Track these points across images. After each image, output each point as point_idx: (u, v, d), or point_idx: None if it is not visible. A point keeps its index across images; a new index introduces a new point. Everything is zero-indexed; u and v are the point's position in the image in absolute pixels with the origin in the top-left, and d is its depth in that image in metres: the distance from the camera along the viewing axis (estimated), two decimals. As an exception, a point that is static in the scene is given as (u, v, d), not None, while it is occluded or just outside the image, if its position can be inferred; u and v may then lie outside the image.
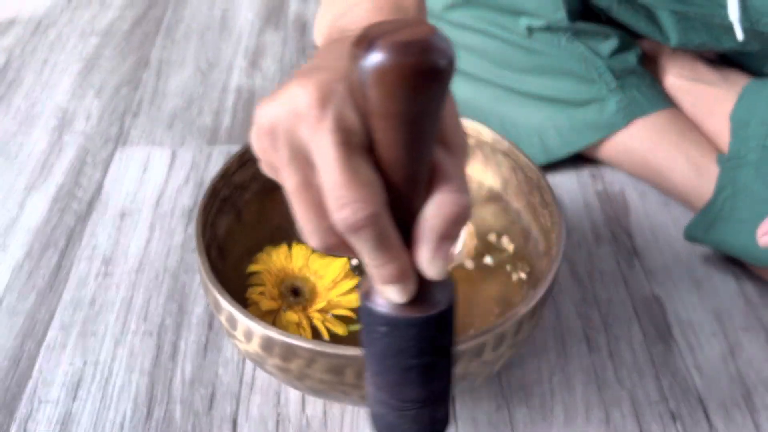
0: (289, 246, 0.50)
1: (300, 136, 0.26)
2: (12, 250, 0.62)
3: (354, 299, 0.47)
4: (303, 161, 0.27)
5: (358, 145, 0.26)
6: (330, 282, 0.47)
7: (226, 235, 0.50)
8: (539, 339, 0.55)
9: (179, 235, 0.63)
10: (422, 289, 0.28)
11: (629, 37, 0.69)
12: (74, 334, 0.55)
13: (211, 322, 0.56)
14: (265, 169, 0.29)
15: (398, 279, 0.27)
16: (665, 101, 0.67)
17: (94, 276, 0.60)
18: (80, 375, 0.53)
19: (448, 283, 0.29)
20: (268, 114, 0.27)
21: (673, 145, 0.64)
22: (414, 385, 0.30)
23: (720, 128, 0.64)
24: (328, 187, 0.26)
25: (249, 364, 0.53)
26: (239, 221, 0.51)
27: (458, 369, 0.40)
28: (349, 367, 0.38)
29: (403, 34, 0.23)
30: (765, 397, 0.52)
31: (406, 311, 0.28)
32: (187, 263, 0.61)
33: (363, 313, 0.30)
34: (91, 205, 0.66)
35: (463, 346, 0.38)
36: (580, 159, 0.71)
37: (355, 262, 0.50)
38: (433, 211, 0.26)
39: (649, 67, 0.71)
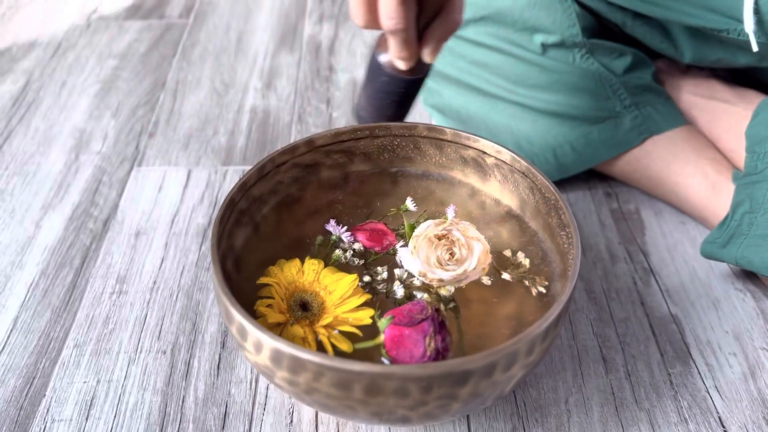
0: (302, 261, 0.50)
1: None
2: (28, 269, 0.62)
3: (362, 317, 0.47)
4: None
5: None
6: (338, 298, 0.47)
7: (242, 246, 0.50)
8: (556, 359, 0.55)
9: (194, 253, 0.64)
10: (415, 65, 0.48)
11: (644, 54, 0.69)
12: (88, 353, 0.55)
13: (224, 341, 0.56)
14: None
15: (407, 58, 0.47)
16: (681, 118, 0.67)
17: (108, 294, 0.60)
18: (93, 393, 0.53)
19: (428, 67, 0.50)
20: None
21: (689, 163, 0.64)
22: (390, 110, 0.53)
23: (736, 145, 0.63)
24: (383, 3, 0.43)
25: (262, 383, 0.53)
26: (256, 233, 0.51)
27: (467, 388, 0.39)
28: (357, 382, 0.37)
29: None
30: (788, 419, 0.50)
31: (402, 73, 0.49)
32: (201, 282, 0.61)
33: (373, 63, 0.50)
34: (106, 225, 0.67)
35: (472, 365, 0.38)
36: (595, 176, 0.71)
37: (366, 278, 0.50)
38: (439, 24, 0.46)
39: (665, 85, 0.71)
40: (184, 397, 0.52)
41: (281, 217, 0.53)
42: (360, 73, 0.88)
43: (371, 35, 0.96)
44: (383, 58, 0.49)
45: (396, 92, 0.51)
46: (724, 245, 0.58)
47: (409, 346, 0.43)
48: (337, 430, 0.50)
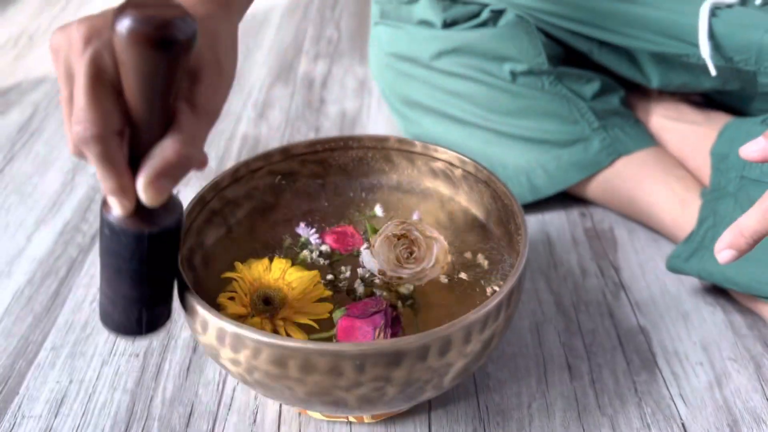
0: (270, 260, 0.51)
1: (70, 60, 0.34)
2: (15, 277, 0.65)
3: (320, 310, 0.48)
4: (71, 80, 0.34)
5: (107, 82, 0.33)
6: (300, 293, 0.48)
7: (213, 245, 0.52)
8: (521, 365, 0.55)
9: (174, 265, 0.66)
10: (147, 211, 0.36)
11: (612, 80, 0.71)
12: (64, 355, 0.57)
13: (195, 346, 0.57)
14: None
15: (116, 193, 0.35)
16: (649, 140, 0.69)
17: (89, 302, 0.62)
18: (65, 392, 0.54)
19: (175, 213, 0.37)
20: (55, 38, 0.35)
21: (657, 181, 0.65)
22: (124, 284, 0.38)
23: (703, 164, 0.65)
24: (75, 107, 0.33)
25: (229, 385, 0.54)
26: (229, 235, 0.53)
27: (401, 370, 0.40)
28: (292, 358, 0.38)
29: (155, 10, 0.31)
30: (753, 427, 0.50)
31: (125, 223, 0.36)
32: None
33: (100, 216, 0.37)
34: (94, 239, 0.69)
35: (405, 346, 0.39)
36: (570, 199, 0.72)
37: (329, 276, 0.51)
38: (157, 151, 0.34)
39: (635, 109, 0.73)
40: (152, 396, 0.53)
41: (255, 222, 0.55)
42: (351, 105, 0.92)
43: (365, 72, 1.00)
44: (107, 209, 0.36)
45: (122, 255, 0.37)
46: (687, 259, 0.59)
47: (358, 336, 0.44)
48: (299, 429, 0.51)
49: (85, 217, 0.72)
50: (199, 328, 0.42)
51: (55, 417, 0.52)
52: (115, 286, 0.38)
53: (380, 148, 0.57)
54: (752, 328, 0.58)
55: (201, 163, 0.37)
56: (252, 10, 1.18)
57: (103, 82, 0.33)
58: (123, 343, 0.58)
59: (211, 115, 0.36)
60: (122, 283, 0.38)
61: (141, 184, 0.34)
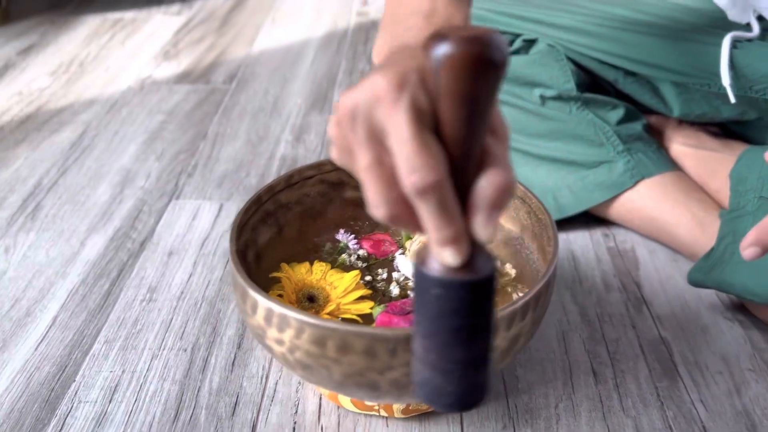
0: (311, 263, 0.55)
1: (378, 115, 0.31)
2: (70, 278, 0.69)
3: (362, 307, 0.51)
4: (377, 140, 0.31)
5: (428, 124, 0.30)
6: (342, 291, 0.52)
7: (265, 244, 0.56)
8: (548, 369, 0.58)
9: (219, 270, 0.70)
10: (472, 257, 0.32)
11: (635, 109, 0.76)
12: (116, 348, 0.61)
13: (240, 342, 0.61)
14: (339, 154, 0.33)
15: (455, 241, 0.30)
16: (671, 164, 0.72)
17: (139, 301, 0.66)
18: (118, 381, 0.57)
19: (491, 253, 0.33)
20: (350, 98, 0.31)
21: (678, 203, 0.69)
22: (461, 346, 0.33)
23: (721, 187, 0.68)
24: (401, 158, 0.29)
25: (272, 378, 0.57)
26: (280, 235, 0.57)
27: None
28: (331, 339, 0.42)
29: (469, 31, 0.29)
30: (771, 432, 0.52)
31: (458, 275, 0.31)
32: (224, 294, 0.67)
33: (417, 278, 0.32)
34: (143, 245, 0.74)
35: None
36: (594, 220, 0.76)
37: (368, 278, 0.55)
38: (486, 184, 0.31)
39: (657, 137, 0.77)
40: (199, 387, 0.57)
41: (304, 225, 0.59)
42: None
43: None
44: (426, 266, 0.32)
45: (459, 311, 0.32)
46: (708, 272, 0.62)
47: None
48: (337, 421, 0.54)
49: (134, 225, 0.77)
50: (249, 310, 0.46)
51: (110, 402, 0.55)
52: (451, 351, 0.33)
53: None
54: (770, 342, 0.60)
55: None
56: (288, 43, 1.25)
57: (426, 125, 0.30)
58: (171, 339, 0.61)
59: (507, 135, 0.33)
60: (460, 346, 0.33)
61: (481, 220, 0.31)
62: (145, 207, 0.80)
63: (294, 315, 0.42)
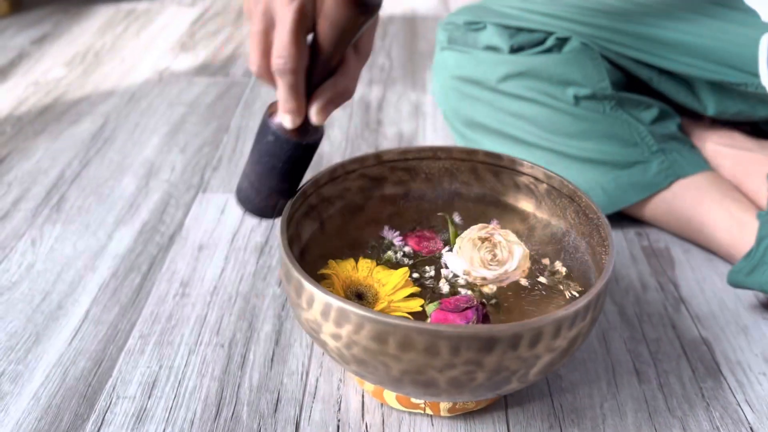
0: (356, 260, 0.54)
1: (275, 4, 0.42)
2: (100, 271, 0.68)
3: (412, 305, 0.51)
4: (269, 18, 0.43)
5: (306, 27, 0.42)
6: (391, 288, 0.51)
7: (308, 239, 0.55)
8: (591, 369, 0.58)
9: (251, 265, 0.69)
10: (304, 127, 0.46)
11: (670, 108, 0.75)
12: (152, 343, 0.60)
13: (278, 339, 0.60)
14: (245, 13, 0.45)
15: (293, 112, 0.45)
16: (705, 164, 0.72)
17: (172, 296, 0.65)
18: (155, 377, 0.57)
19: (320, 132, 0.48)
20: None
21: (715, 203, 0.68)
22: (274, 179, 0.49)
23: (758, 188, 0.68)
24: (277, 41, 0.42)
25: (312, 375, 0.57)
26: (322, 230, 0.57)
27: (493, 356, 0.42)
28: (392, 335, 0.41)
29: None
30: (818, 434, 0.52)
31: (289, 134, 0.46)
32: (258, 289, 0.66)
33: (262, 123, 0.47)
34: (172, 239, 0.73)
35: (498, 333, 0.41)
36: (626, 219, 0.76)
37: (415, 275, 0.54)
38: (329, 84, 0.45)
39: (690, 137, 0.76)
40: (239, 384, 0.56)
41: (345, 220, 0.59)
42: (407, 127, 0.96)
43: (417, 97, 1.04)
44: (272, 118, 0.47)
45: (280, 157, 0.47)
46: (749, 273, 0.61)
47: None
48: (381, 419, 0.53)
49: (162, 219, 0.76)
50: (304, 304, 0.45)
51: (149, 398, 0.55)
52: (265, 179, 0.49)
53: (468, 160, 0.60)
54: (811, 343, 0.60)
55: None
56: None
57: (304, 27, 0.42)
58: (208, 334, 0.61)
59: (367, 56, 0.47)
60: (272, 178, 0.48)
61: (316, 107, 0.45)
62: (172, 200, 0.79)
63: (355, 310, 0.42)
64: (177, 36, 1.26)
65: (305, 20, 0.41)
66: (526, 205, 0.61)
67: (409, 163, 0.60)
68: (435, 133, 0.94)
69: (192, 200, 0.79)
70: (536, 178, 0.59)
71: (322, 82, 0.45)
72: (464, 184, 0.61)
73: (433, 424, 0.53)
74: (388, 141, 0.92)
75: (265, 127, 0.47)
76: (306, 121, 0.46)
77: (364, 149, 0.90)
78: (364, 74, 1.12)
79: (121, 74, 1.10)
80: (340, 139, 0.93)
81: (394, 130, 0.95)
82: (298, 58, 0.42)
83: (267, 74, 0.44)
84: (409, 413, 0.54)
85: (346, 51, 0.44)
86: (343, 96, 0.45)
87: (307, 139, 0.47)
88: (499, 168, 0.60)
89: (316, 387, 0.56)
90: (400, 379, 0.44)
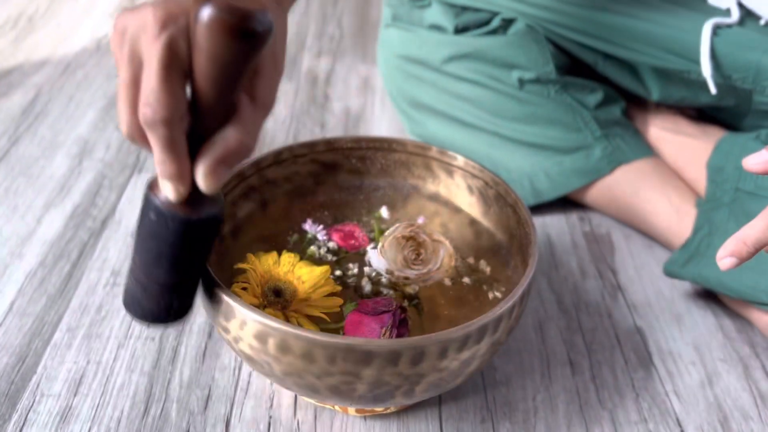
0: (279, 253, 0.53)
1: (140, 43, 0.34)
2: (27, 259, 0.65)
3: (330, 304, 0.50)
4: (137, 63, 0.34)
5: (180, 68, 0.33)
6: (310, 287, 0.50)
7: (245, 218, 0.54)
8: (525, 361, 0.58)
9: (186, 252, 0.67)
10: (195, 199, 0.36)
11: (614, 92, 0.74)
12: (80, 336, 0.58)
13: (210, 332, 0.59)
14: (114, 58, 0.36)
15: (173, 178, 0.35)
16: (648, 150, 0.72)
17: (102, 285, 0.63)
18: (83, 372, 0.55)
19: (218, 203, 0.37)
20: (123, 20, 0.35)
21: (655, 190, 0.68)
22: (162, 270, 0.38)
23: (698, 176, 0.68)
24: (143, 88, 0.33)
25: (245, 371, 0.56)
26: (263, 211, 0.55)
27: (370, 370, 0.41)
28: (271, 337, 0.41)
29: (238, 2, 0.31)
30: (741, 423, 0.53)
31: (174, 208, 0.36)
32: (192, 278, 0.64)
33: (144, 200, 0.37)
34: (104, 223, 0.70)
35: (375, 348, 0.40)
36: (570, 204, 0.75)
37: (338, 272, 0.53)
38: (219, 139, 0.35)
39: (634, 120, 0.76)
40: (169, 379, 0.55)
41: (292, 203, 0.57)
42: (355, 103, 0.94)
43: (368, 70, 1.02)
44: (153, 192, 0.37)
45: (166, 239, 0.37)
46: (684, 265, 0.62)
47: (365, 332, 0.46)
48: (314, 415, 0.52)
49: (94, 201, 0.73)
50: (207, 294, 0.44)
51: (75, 396, 0.53)
52: (151, 271, 0.38)
53: (422, 156, 0.59)
54: (741, 332, 0.61)
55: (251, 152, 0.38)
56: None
57: (176, 67, 0.33)
58: (138, 327, 0.59)
59: (268, 108, 0.37)
60: (160, 269, 0.38)
61: (202, 170, 0.35)
62: (106, 181, 0.76)
63: (237, 306, 0.41)
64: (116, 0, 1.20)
65: (177, 58, 0.33)
66: (475, 210, 0.59)
67: (363, 152, 0.59)
68: (383, 111, 0.92)
69: (126, 181, 0.76)
70: (486, 183, 0.57)
71: (209, 137, 0.35)
72: (419, 180, 0.60)
73: (365, 420, 0.52)
74: (336, 118, 0.90)
75: (146, 203, 0.37)
76: (195, 189, 0.36)
77: (309, 126, 0.88)
78: (313, 45, 1.08)
79: (56, 42, 1.05)
80: (285, 115, 0.90)
81: (341, 106, 0.93)
82: (170, 104, 0.33)
83: (141, 135, 0.35)
84: (343, 413, 0.53)
85: (239, 98, 0.35)
86: (237, 153, 0.35)
87: (198, 213, 0.36)
88: (452, 167, 0.59)
89: (248, 382, 0.55)
90: (284, 379, 0.44)
